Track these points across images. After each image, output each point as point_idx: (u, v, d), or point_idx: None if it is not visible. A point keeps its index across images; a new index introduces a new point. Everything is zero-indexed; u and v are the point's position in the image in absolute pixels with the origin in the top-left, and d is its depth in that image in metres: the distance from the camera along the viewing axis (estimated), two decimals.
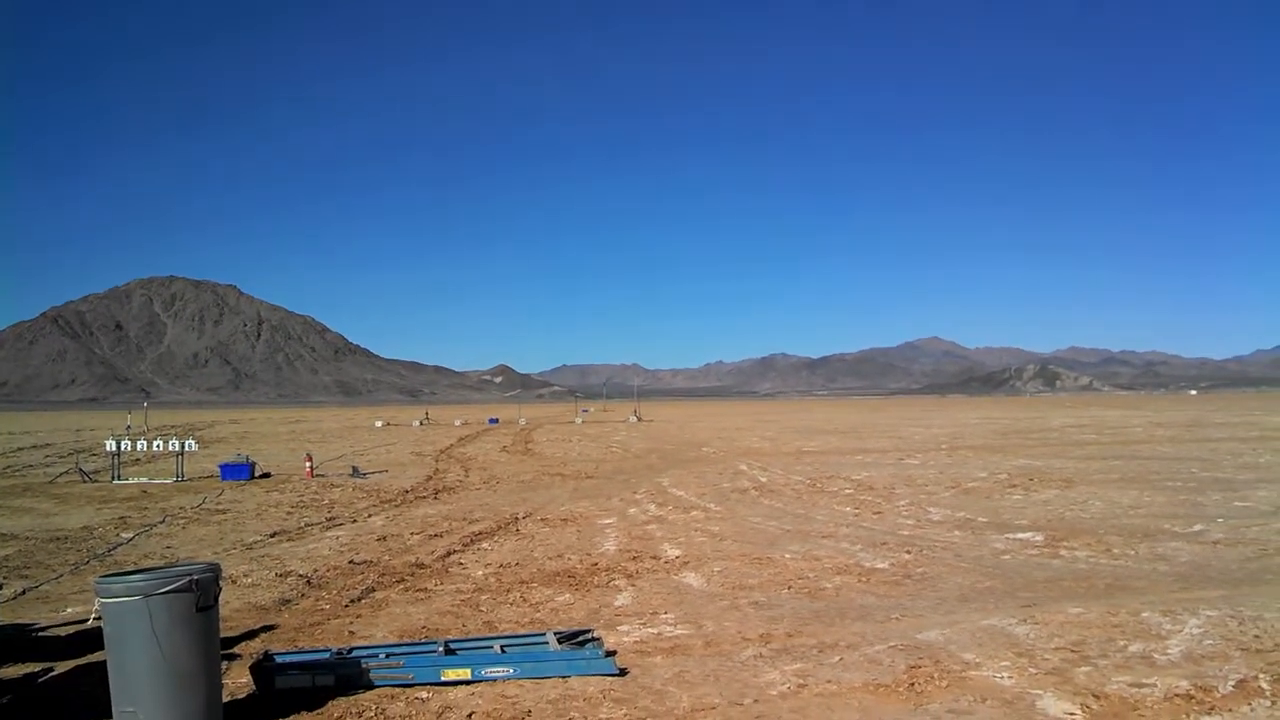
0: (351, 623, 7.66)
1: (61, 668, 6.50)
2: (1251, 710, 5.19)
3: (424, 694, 5.69)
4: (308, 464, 22.40)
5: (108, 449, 22.01)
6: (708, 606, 8.00)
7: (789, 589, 8.64)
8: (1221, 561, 9.57)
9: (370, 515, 14.58)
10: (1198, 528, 11.77)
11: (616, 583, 9.08)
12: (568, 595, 8.58)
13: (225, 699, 5.36)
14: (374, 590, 8.89)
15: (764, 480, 19.23)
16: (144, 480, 20.80)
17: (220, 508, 15.81)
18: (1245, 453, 24.59)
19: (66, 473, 23.32)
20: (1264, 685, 5.55)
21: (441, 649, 6.17)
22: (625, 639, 6.91)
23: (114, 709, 4.84)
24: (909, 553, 10.35)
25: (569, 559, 10.42)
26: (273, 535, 12.60)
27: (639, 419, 66.31)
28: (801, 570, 9.49)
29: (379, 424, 63.06)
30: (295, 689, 5.68)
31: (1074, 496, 15.31)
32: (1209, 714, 5.16)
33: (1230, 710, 5.20)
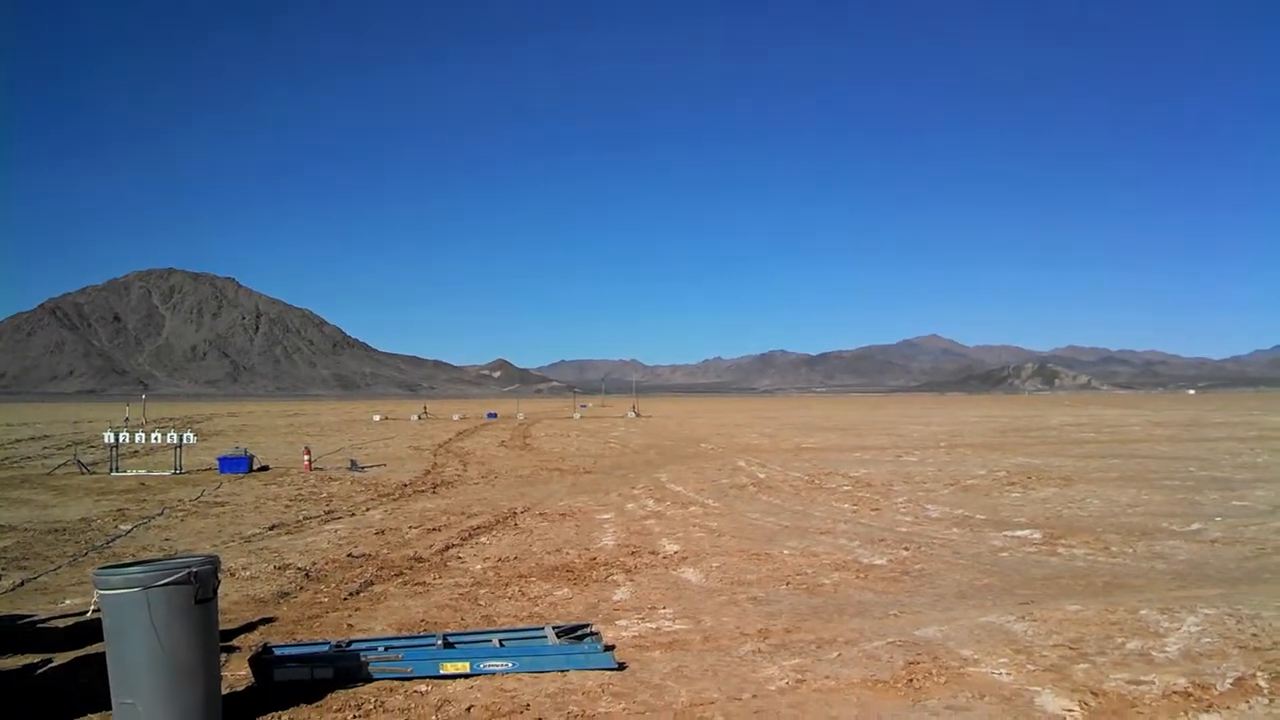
0: (350, 616, 7.66)
1: (60, 659, 6.49)
2: (1249, 708, 5.20)
3: (423, 687, 5.69)
4: (306, 457, 22.40)
5: (106, 441, 22.00)
6: (706, 602, 8.00)
7: (787, 585, 8.64)
8: (1219, 560, 9.58)
9: (368, 509, 14.58)
10: (1196, 526, 11.78)
11: (615, 578, 9.08)
12: (566, 590, 8.58)
13: (224, 691, 5.36)
14: (372, 584, 8.89)
15: (762, 476, 19.24)
16: (142, 472, 20.78)
17: (218, 500, 15.81)
18: (1243, 452, 24.61)
19: (65, 464, 23.32)
20: (1262, 683, 5.56)
21: (440, 642, 6.17)
22: (624, 634, 6.91)
23: (113, 701, 4.84)
24: (907, 549, 10.36)
25: (567, 554, 10.43)
26: (271, 528, 12.60)
27: (637, 414, 66.30)
28: (800, 566, 9.49)
29: (377, 418, 63.07)
30: (294, 681, 5.68)
31: (1072, 494, 15.33)
32: (1207, 711, 5.17)
33: (1228, 708, 5.20)
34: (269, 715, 5.30)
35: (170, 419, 59.94)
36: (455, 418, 64.35)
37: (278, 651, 5.95)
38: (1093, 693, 5.44)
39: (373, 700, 5.47)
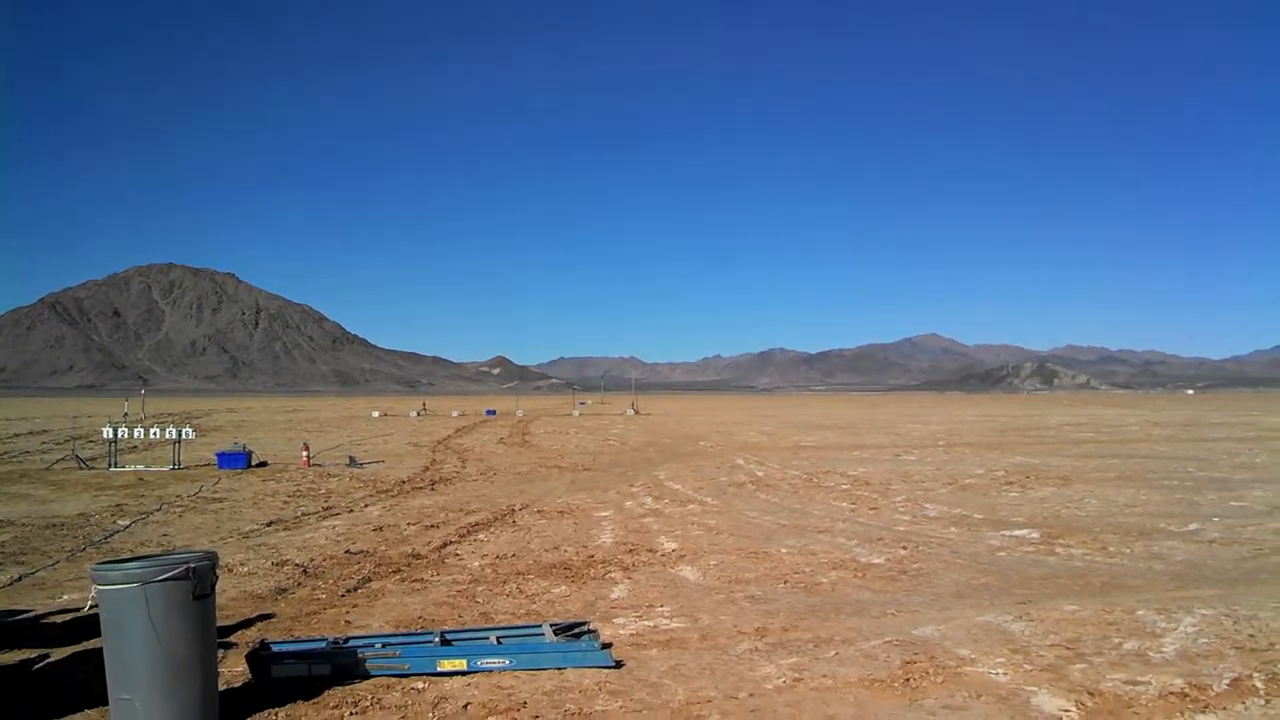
0: (348, 612, 7.66)
1: (58, 654, 6.49)
2: (1245, 709, 5.21)
3: (420, 684, 5.69)
4: (305, 453, 22.40)
5: (105, 436, 21.98)
6: (704, 600, 8.01)
7: (785, 583, 8.65)
8: (1217, 560, 9.59)
9: (367, 505, 14.58)
10: (1193, 527, 11.79)
11: (613, 575, 9.08)
12: (564, 587, 8.58)
13: (221, 687, 5.36)
14: (370, 580, 8.89)
15: (761, 475, 19.24)
16: (141, 468, 20.78)
17: (217, 496, 15.81)
18: (1242, 453, 24.63)
19: (63, 459, 23.32)
20: (1258, 684, 5.56)
21: (438, 639, 6.17)
22: (621, 631, 6.91)
23: (110, 696, 4.83)
24: (905, 548, 10.36)
25: (565, 551, 10.43)
26: (269, 524, 12.60)
27: (636, 412, 66.28)
28: (797, 565, 9.50)
29: (376, 414, 63.02)
30: (291, 678, 5.68)
31: (1070, 494, 15.34)
32: (1203, 712, 5.17)
33: (1224, 708, 5.21)
34: (266, 712, 5.31)
35: (169, 414, 59.92)
36: (454, 414, 64.32)
37: (275, 648, 5.95)
38: (1089, 693, 5.45)
39: (370, 697, 5.48)
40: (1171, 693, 5.44)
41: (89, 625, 6.71)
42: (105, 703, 4.90)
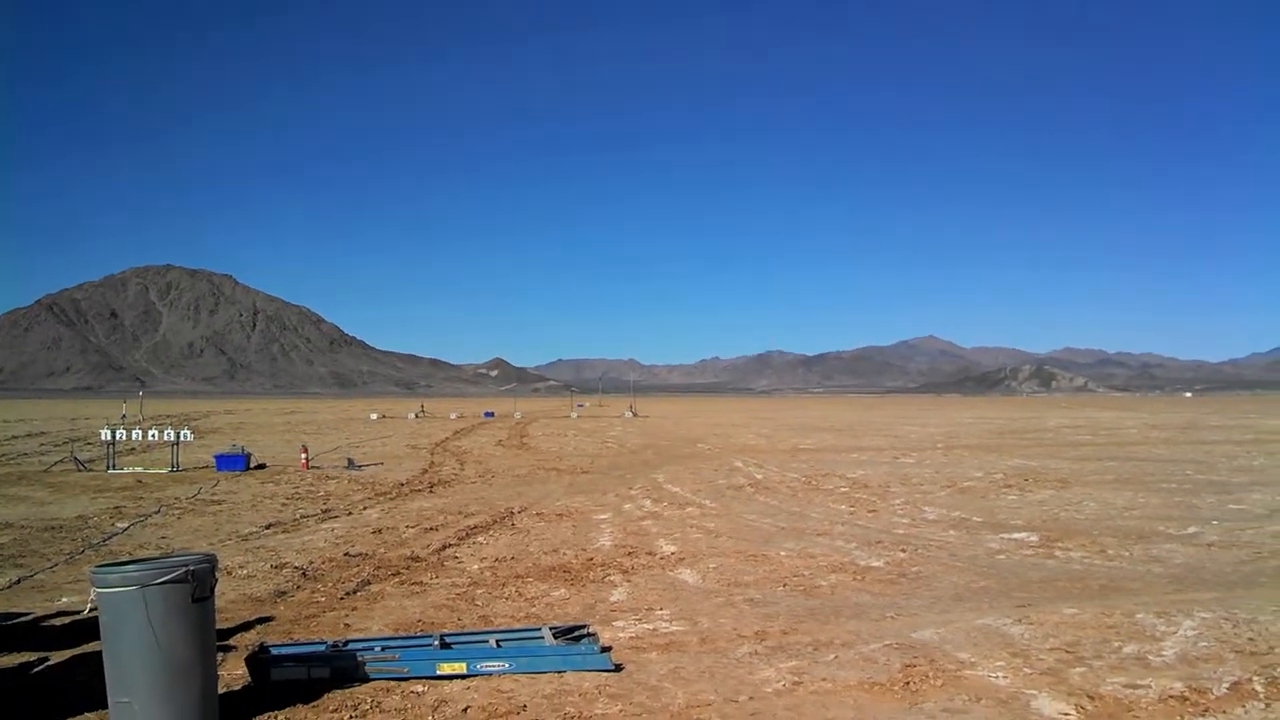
0: (347, 615, 7.65)
1: (57, 657, 6.48)
2: (1245, 713, 5.21)
3: (419, 687, 5.69)
4: (303, 455, 22.38)
5: (103, 438, 21.97)
6: (703, 603, 8.01)
7: (784, 586, 8.65)
8: (1216, 564, 9.59)
9: (366, 508, 14.57)
10: (1192, 530, 11.80)
11: (612, 578, 9.08)
12: (563, 590, 8.58)
13: (221, 690, 5.35)
14: (369, 583, 8.88)
15: (759, 477, 19.24)
16: (139, 470, 20.76)
17: (215, 498, 15.79)
18: (1240, 455, 24.66)
19: (61, 461, 23.29)
20: (1258, 688, 5.57)
21: (437, 643, 6.17)
22: (620, 635, 6.91)
23: (109, 699, 4.83)
24: (904, 551, 10.36)
25: (564, 554, 10.42)
26: (268, 527, 12.59)
27: (635, 414, 66.30)
28: (797, 568, 9.50)
29: (374, 416, 63.00)
30: (290, 681, 5.68)
31: (1069, 497, 15.35)
32: (1203, 716, 5.17)
33: (1224, 712, 5.21)
34: (265, 715, 5.30)
35: (167, 416, 59.87)
36: (452, 416, 64.32)
37: (274, 651, 5.94)
38: (1089, 696, 5.45)
39: (369, 700, 5.47)
40: (1171, 696, 5.44)
41: (88, 628, 6.69)
42: (105, 706, 4.89)
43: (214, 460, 21.34)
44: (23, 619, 7.61)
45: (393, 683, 5.75)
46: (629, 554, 10.35)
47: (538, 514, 13.78)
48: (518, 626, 7.03)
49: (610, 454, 27.18)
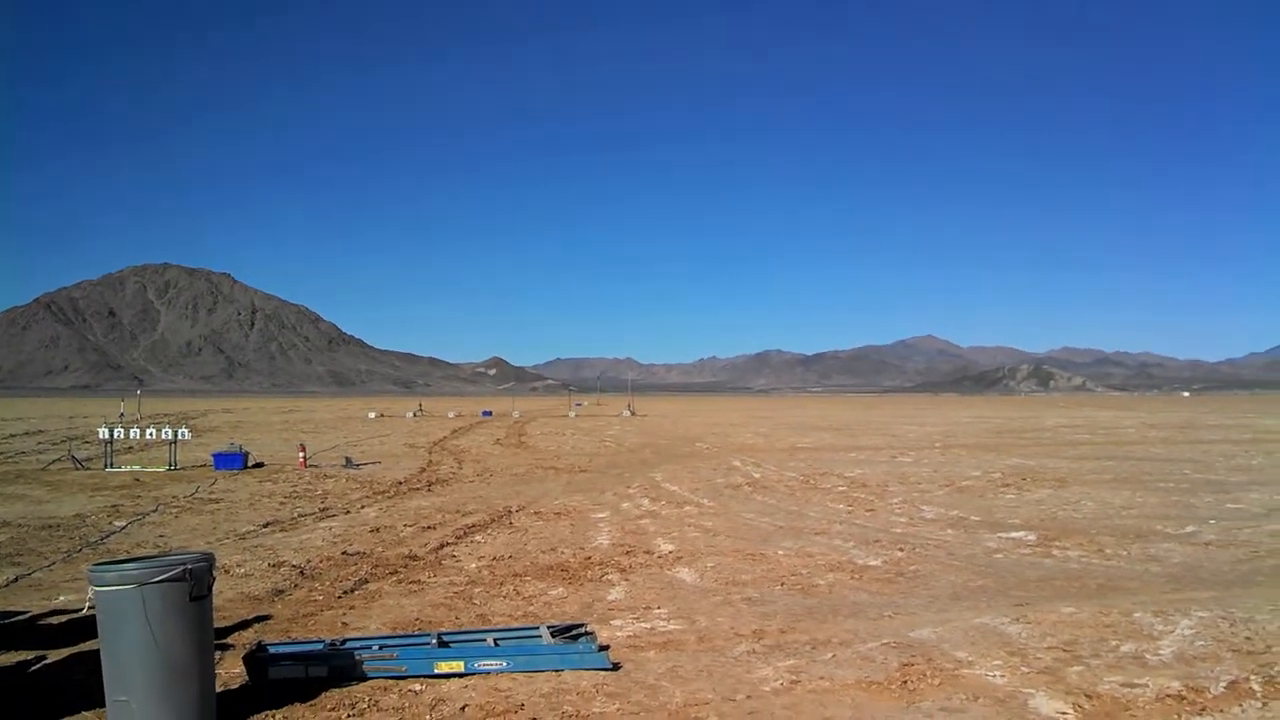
0: (345, 614, 7.65)
1: (54, 656, 6.48)
2: (1243, 711, 5.21)
3: (417, 686, 5.69)
4: (301, 454, 22.37)
5: (101, 436, 21.96)
6: (701, 602, 8.01)
7: (782, 585, 8.65)
8: (1213, 563, 9.60)
9: (363, 506, 14.56)
10: (1190, 529, 11.81)
11: (610, 577, 9.08)
12: (561, 589, 8.58)
13: (218, 689, 5.35)
14: (367, 582, 8.88)
15: (757, 476, 19.25)
16: (137, 468, 20.74)
17: (213, 497, 15.78)
18: (1238, 455, 24.69)
19: (59, 460, 23.26)
20: (1255, 687, 5.57)
21: (435, 641, 6.17)
22: (618, 633, 6.91)
23: (107, 698, 4.83)
24: (902, 550, 10.37)
25: (562, 553, 10.42)
26: (266, 525, 12.58)
27: (633, 413, 66.29)
28: (795, 567, 9.50)
29: (372, 415, 62.95)
30: (288, 680, 5.67)
31: (1067, 496, 15.36)
32: (1200, 715, 5.18)
33: (1222, 711, 5.22)
34: (263, 714, 5.30)
35: (165, 415, 59.84)
36: (450, 415, 64.29)
37: (272, 649, 5.94)
38: (1087, 695, 5.45)
39: (367, 699, 5.47)
40: (1169, 695, 5.45)
41: (86, 626, 6.68)
42: (102, 704, 4.89)
43: (212, 459, 21.31)
44: (20, 617, 7.60)
45: (390, 681, 5.75)
46: (627, 553, 10.35)
47: (536, 513, 13.77)
48: (515, 625, 7.02)
49: (608, 453, 27.18)
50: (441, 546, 10.80)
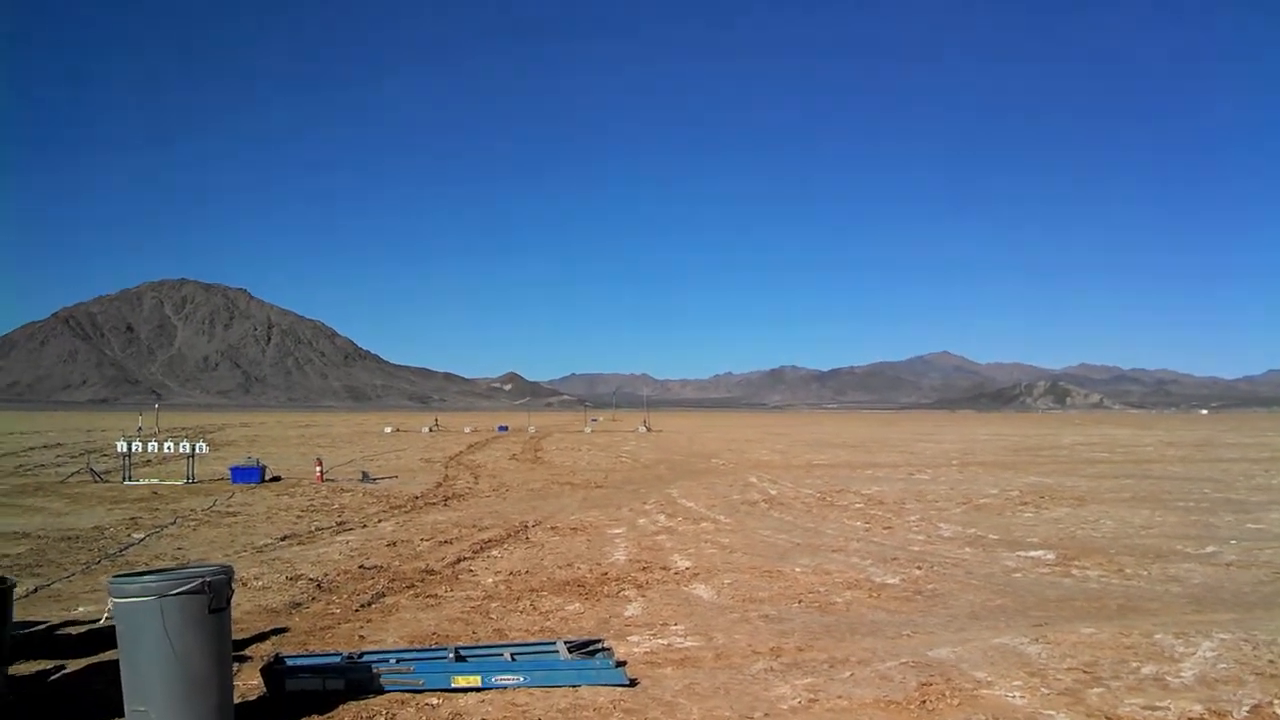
0: (362, 627, 7.67)
1: (74, 666, 6.52)
2: None
3: (434, 700, 5.69)
4: (318, 468, 22.47)
5: (119, 450, 22.12)
6: (718, 619, 7.98)
7: (799, 603, 8.62)
8: (1234, 584, 9.50)
9: (380, 520, 14.61)
10: (1210, 549, 11.70)
11: (626, 593, 9.07)
12: (577, 604, 8.57)
13: (236, 700, 5.37)
14: (384, 595, 8.90)
15: (774, 493, 19.19)
16: (155, 481, 20.88)
17: (231, 510, 15.86)
18: (1257, 474, 24.44)
19: (78, 473, 23.44)
20: (1279, 711, 5.50)
21: (452, 655, 6.17)
22: (635, 649, 6.90)
23: (126, 708, 4.86)
24: (920, 569, 10.31)
25: (579, 568, 10.42)
26: (283, 539, 12.63)
27: (648, 429, 66.25)
28: (812, 584, 9.46)
29: (388, 430, 63.16)
30: (306, 692, 5.69)
31: (1085, 515, 15.24)
32: None
33: None
34: None
35: (182, 429, 60.27)
36: (466, 430, 64.45)
37: (290, 662, 5.97)
38: (1108, 717, 5.40)
39: (384, 712, 5.48)
40: (1191, 719, 5.39)
41: (104, 637, 6.72)
42: (121, 714, 4.92)
43: (229, 472, 21.44)
44: (40, 627, 7.66)
45: (407, 695, 5.76)
46: (643, 569, 10.34)
47: (552, 528, 13.78)
48: (532, 640, 7.02)
49: (624, 469, 27.17)
50: (458, 561, 10.82)
